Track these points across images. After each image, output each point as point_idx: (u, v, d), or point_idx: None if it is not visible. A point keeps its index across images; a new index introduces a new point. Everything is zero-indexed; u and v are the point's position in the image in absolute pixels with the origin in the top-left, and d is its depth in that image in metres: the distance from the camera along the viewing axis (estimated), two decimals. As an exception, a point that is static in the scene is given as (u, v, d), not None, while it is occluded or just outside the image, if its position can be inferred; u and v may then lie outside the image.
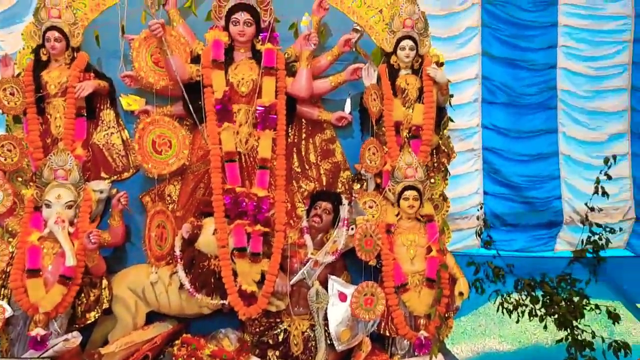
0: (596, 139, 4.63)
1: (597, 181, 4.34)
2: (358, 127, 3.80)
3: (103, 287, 3.25)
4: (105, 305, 3.24)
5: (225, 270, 3.23)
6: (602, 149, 4.56)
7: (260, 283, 3.31)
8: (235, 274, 3.27)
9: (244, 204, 3.31)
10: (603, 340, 4.01)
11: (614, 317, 4.09)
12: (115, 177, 3.61)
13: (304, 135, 3.78)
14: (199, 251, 3.31)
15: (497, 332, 4.85)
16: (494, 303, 4.35)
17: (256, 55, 3.49)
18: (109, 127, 3.63)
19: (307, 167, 3.76)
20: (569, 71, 4.61)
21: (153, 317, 3.40)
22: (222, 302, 3.28)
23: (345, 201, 3.55)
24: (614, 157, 4.34)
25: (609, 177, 4.32)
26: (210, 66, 3.38)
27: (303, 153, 3.77)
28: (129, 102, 3.60)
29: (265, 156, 3.41)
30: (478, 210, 4.52)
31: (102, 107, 3.63)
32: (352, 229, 3.45)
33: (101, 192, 3.42)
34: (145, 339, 3.22)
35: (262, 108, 3.41)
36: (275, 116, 3.44)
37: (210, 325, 3.43)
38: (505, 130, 4.66)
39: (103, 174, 3.60)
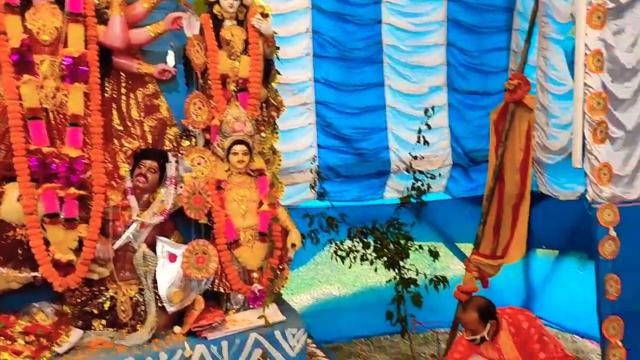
0: (417, 92, 4.90)
1: (419, 131, 4.68)
2: (183, 81, 3.60)
3: None
4: None
5: (35, 240, 2.92)
6: (423, 100, 4.85)
7: (78, 250, 3.05)
8: (47, 243, 2.98)
9: (54, 165, 3.00)
10: (425, 277, 4.44)
11: (434, 255, 4.53)
12: None
13: (123, 90, 3.48)
14: (2, 221, 2.95)
15: (334, 278, 5.12)
16: (329, 251, 4.57)
17: (59, 0, 3.12)
18: None
19: (129, 124, 3.48)
20: (393, 26, 4.78)
21: (-50, 299, 3.00)
22: (33, 274, 2.97)
23: (172, 159, 3.40)
24: (433, 108, 4.69)
25: (429, 127, 4.68)
26: (2, 10, 2.95)
27: (124, 109, 3.47)
28: None
29: (76, 112, 3.10)
30: (312, 163, 4.63)
31: None
32: (181, 187, 3.34)
33: None
34: (-61, 324, 2.83)
35: (70, 59, 3.07)
36: (87, 68, 3.13)
37: (23, 300, 3.09)
38: (336, 84, 4.74)
39: None
